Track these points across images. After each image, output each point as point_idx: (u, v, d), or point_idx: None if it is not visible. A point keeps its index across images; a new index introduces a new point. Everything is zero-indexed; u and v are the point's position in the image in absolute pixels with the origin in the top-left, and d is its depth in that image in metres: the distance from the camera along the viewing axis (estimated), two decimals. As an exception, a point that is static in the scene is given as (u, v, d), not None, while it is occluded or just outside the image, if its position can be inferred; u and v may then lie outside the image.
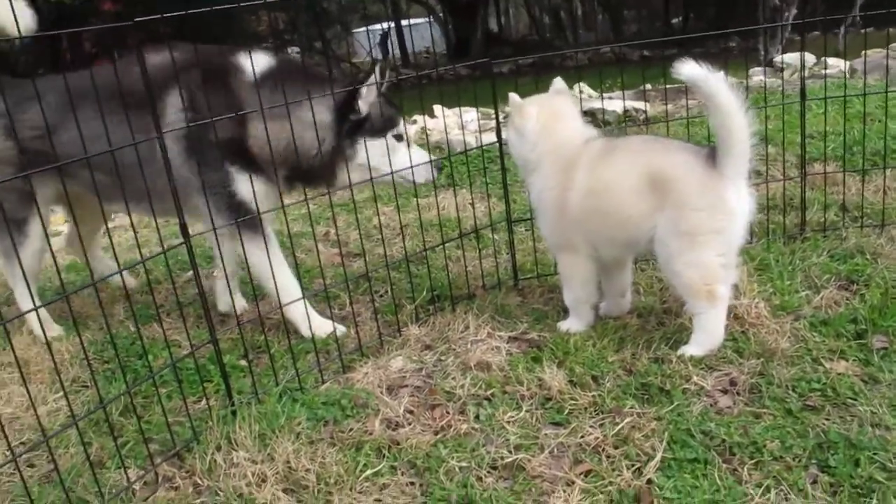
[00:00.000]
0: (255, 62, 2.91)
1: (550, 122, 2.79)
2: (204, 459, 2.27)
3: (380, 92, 3.00)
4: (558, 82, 2.90)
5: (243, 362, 2.83)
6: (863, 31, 9.97)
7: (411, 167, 3.04)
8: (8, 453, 2.27)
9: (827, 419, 2.17)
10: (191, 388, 2.70)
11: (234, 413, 2.44)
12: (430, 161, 3.13)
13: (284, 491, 2.11)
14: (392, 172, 3.04)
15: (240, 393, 2.60)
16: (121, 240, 4.97)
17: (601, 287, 2.89)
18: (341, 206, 4.76)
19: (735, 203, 2.48)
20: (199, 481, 2.22)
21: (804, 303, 2.82)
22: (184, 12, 2.35)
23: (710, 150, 2.51)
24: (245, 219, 2.91)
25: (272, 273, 2.88)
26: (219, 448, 2.30)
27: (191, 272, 3.09)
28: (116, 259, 2.83)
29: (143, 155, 2.45)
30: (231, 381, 2.57)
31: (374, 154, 3.00)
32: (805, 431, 2.11)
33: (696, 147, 2.66)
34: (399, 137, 3.08)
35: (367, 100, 2.96)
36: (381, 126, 3.01)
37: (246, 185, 2.89)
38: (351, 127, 2.97)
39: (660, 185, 2.52)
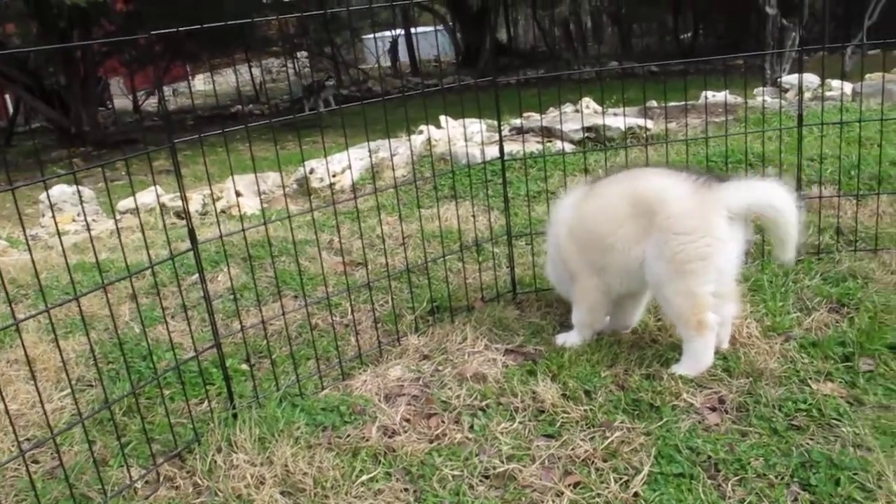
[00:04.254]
0: None
1: None
2: (205, 461, 2.34)
3: None
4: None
5: (245, 367, 2.90)
6: (871, 52, 10.00)
7: None
8: (15, 449, 2.33)
9: (811, 439, 2.22)
10: (193, 391, 2.76)
11: (235, 416, 2.51)
12: None
13: (282, 493, 2.18)
14: None
15: (241, 397, 2.67)
16: (127, 241, 5.04)
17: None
18: (345, 214, 4.82)
19: (725, 230, 2.51)
20: (200, 482, 2.28)
21: (795, 324, 2.88)
22: (199, 27, 2.42)
23: (706, 176, 2.56)
24: None
25: None
26: (219, 450, 2.37)
27: (196, 276, 3.16)
28: (125, 262, 2.90)
29: None
30: (233, 384, 2.64)
31: None
32: (789, 450, 2.17)
33: (685, 172, 2.65)
34: None
35: None
36: None
37: None
38: None
39: (643, 209, 2.57)
